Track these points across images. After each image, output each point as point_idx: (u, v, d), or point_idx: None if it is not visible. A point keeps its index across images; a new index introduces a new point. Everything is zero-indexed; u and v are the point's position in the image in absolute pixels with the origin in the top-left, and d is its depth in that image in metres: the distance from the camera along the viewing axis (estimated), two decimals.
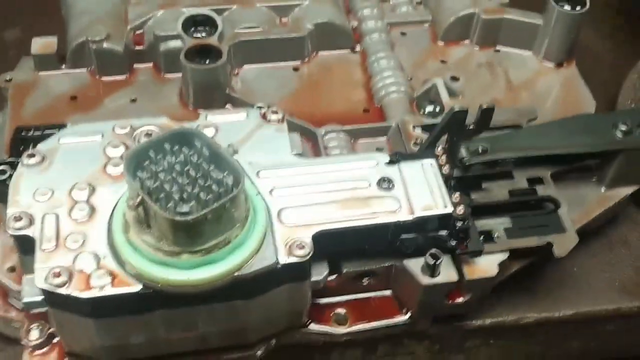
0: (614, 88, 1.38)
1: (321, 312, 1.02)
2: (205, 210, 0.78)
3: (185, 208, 0.80)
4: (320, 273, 0.94)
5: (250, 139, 0.99)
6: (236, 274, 0.84)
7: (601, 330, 1.12)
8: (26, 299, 0.88)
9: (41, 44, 1.24)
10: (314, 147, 1.16)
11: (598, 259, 1.15)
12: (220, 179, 0.82)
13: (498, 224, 1.01)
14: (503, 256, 0.98)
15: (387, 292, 1.04)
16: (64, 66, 1.25)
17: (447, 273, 0.95)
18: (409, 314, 1.02)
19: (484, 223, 1.00)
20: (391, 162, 0.97)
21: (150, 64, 1.28)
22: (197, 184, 0.81)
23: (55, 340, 0.95)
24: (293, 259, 0.87)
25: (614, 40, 1.55)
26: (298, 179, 0.95)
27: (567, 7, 1.26)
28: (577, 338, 1.13)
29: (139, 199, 0.79)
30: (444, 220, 0.93)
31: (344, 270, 0.98)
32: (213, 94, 1.20)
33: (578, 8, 1.26)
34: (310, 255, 0.87)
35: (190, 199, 0.80)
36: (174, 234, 0.80)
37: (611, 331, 1.12)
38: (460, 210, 0.93)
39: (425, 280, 0.95)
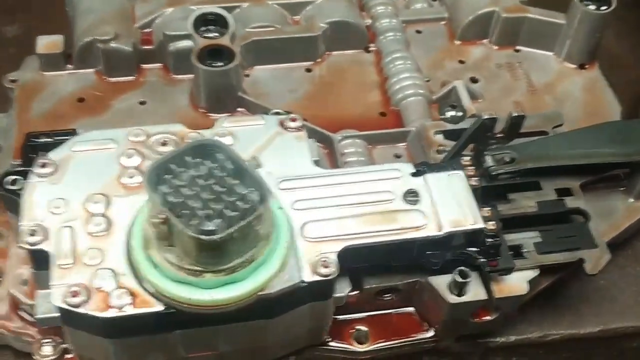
0: (635, 90, 1.34)
1: (341, 329, 0.98)
2: (233, 229, 0.75)
3: (210, 226, 0.76)
4: (342, 289, 0.90)
5: (268, 146, 0.95)
6: (260, 293, 0.81)
7: (628, 347, 1.08)
8: (40, 315, 0.84)
9: (47, 43, 1.18)
10: (330, 154, 1.12)
11: (624, 271, 1.11)
12: (245, 194, 0.78)
13: (526, 238, 0.96)
14: (533, 273, 0.94)
15: (409, 308, 1.00)
16: (69, 66, 1.20)
17: (475, 291, 0.91)
18: (432, 332, 0.99)
19: (512, 237, 0.95)
20: (417, 173, 0.93)
21: (159, 65, 1.22)
22: (222, 199, 0.77)
23: (68, 356, 0.92)
24: (318, 278, 0.83)
25: (633, 40, 1.50)
26: (320, 191, 0.91)
27: (592, 7, 1.22)
28: (602, 355, 1.09)
29: (163, 216, 0.75)
30: (474, 236, 0.89)
31: (366, 286, 0.94)
32: (225, 97, 1.16)
33: (603, 8, 1.22)
34: (335, 274, 0.83)
35: (215, 216, 0.76)
36: (198, 252, 0.76)
37: (638, 348, 1.09)
38: (491, 225, 0.89)
39: (453, 299, 0.91)
